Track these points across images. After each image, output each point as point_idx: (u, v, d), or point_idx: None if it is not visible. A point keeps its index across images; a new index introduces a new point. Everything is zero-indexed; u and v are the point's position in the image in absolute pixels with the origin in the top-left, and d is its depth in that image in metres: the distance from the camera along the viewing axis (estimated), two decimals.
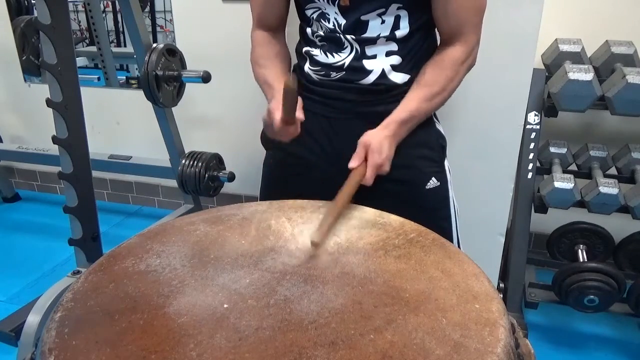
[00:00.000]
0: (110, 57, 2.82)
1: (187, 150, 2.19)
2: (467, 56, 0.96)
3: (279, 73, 1.02)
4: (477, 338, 0.53)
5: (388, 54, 0.96)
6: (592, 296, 1.62)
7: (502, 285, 1.76)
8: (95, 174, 1.62)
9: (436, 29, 0.99)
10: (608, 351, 1.75)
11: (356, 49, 0.95)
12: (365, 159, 0.90)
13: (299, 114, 0.90)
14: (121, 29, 3.11)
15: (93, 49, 2.88)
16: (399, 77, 0.97)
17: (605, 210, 1.66)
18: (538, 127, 1.73)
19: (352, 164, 0.90)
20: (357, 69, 0.96)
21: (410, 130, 0.97)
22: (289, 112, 0.86)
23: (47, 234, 2.56)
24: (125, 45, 3.11)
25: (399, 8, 0.91)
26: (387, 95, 0.98)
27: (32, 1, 2.68)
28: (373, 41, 0.94)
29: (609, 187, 1.62)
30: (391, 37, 0.94)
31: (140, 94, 1.98)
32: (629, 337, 1.82)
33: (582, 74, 1.54)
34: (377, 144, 0.90)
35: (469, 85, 1.38)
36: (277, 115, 0.88)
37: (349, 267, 0.68)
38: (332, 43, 0.97)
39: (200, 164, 2.12)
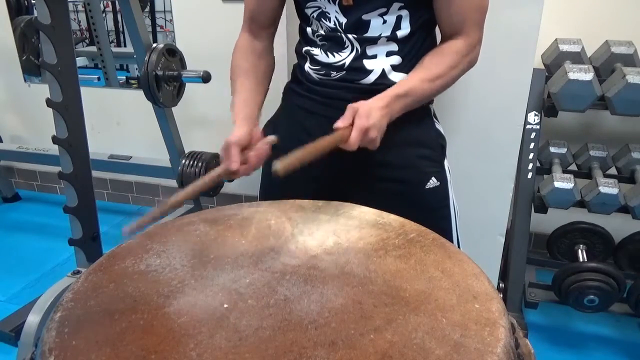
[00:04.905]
0: (110, 57, 2.82)
1: (187, 150, 2.20)
2: (469, 51, 0.95)
3: (245, 95, 1.00)
4: (477, 338, 0.53)
5: (388, 54, 0.95)
6: (592, 296, 1.62)
7: (502, 285, 1.76)
8: (95, 174, 1.62)
9: (437, 28, 0.99)
10: (608, 351, 1.75)
11: (357, 48, 0.95)
12: (353, 124, 0.86)
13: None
14: (121, 29, 3.11)
15: (93, 49, 2.88)
16: (399, 77, 0.97)
17: (605, 210, 1.66)
18: (538, 127, 1.73)
19: (338, 124, 0.86)
20: (357, 69, 0.96)
21: (405, 109, 0.93)
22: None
23: (47, 234, 2.56)
24: (125, 45, 3.11)
25: (400, 8, 0.91)
26: None
27: (32, 1, 2.68)
28: (374, 41, 0.94)
29: (609, 187, 1.62)
30: (392, 38, 0.94)
31: (140, 94, 1.98)
32: (629, 337, 1.82)
33: (582, 74, 1.54)
34: (365, 109, 0.86)
35: (469, 85, 1.39)
36: (234, 152, 0.87)
37: (349, 267, 0.68)
38: (333, 42, 0.97)
39: (200, 164, 2.12)
